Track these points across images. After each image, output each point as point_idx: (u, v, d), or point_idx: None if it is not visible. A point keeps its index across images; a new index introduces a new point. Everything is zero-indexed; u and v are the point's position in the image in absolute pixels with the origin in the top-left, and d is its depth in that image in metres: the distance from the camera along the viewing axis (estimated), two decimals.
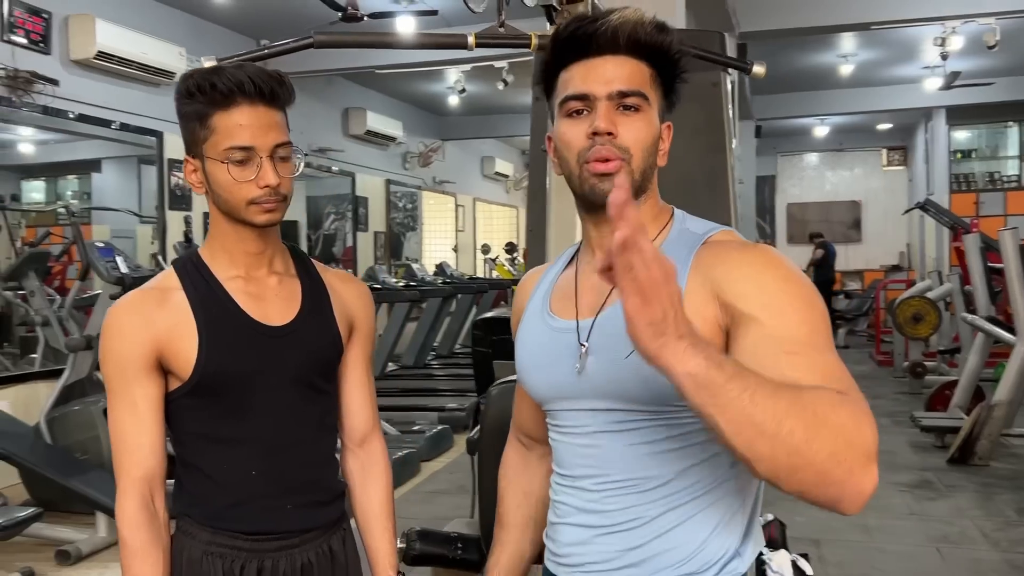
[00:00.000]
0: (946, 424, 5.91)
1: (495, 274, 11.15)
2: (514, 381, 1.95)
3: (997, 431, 5.35)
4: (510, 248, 11.41)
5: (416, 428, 5.97)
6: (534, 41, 1.71)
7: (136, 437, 1.24)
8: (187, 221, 5.04)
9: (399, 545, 1.95)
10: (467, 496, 2.74)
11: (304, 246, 8.72)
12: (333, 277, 1.41)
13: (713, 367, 0.80)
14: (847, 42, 8.32)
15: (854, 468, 0.83)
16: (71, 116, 5.64)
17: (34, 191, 7.89)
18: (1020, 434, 5.80)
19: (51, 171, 7.69)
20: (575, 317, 1.11)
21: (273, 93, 1.23)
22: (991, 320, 5.91)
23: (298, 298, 1.33)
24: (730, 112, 3.32)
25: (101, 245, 4.64)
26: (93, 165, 7.49)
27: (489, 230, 13.34)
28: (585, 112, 1.08)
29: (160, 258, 5.34)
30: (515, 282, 10.22)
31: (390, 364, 8.15)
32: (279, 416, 1.29)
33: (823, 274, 11.58)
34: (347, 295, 1.40)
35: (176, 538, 1.30)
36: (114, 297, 4.57)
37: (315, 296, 1.35)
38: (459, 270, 11.20)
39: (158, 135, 6.41)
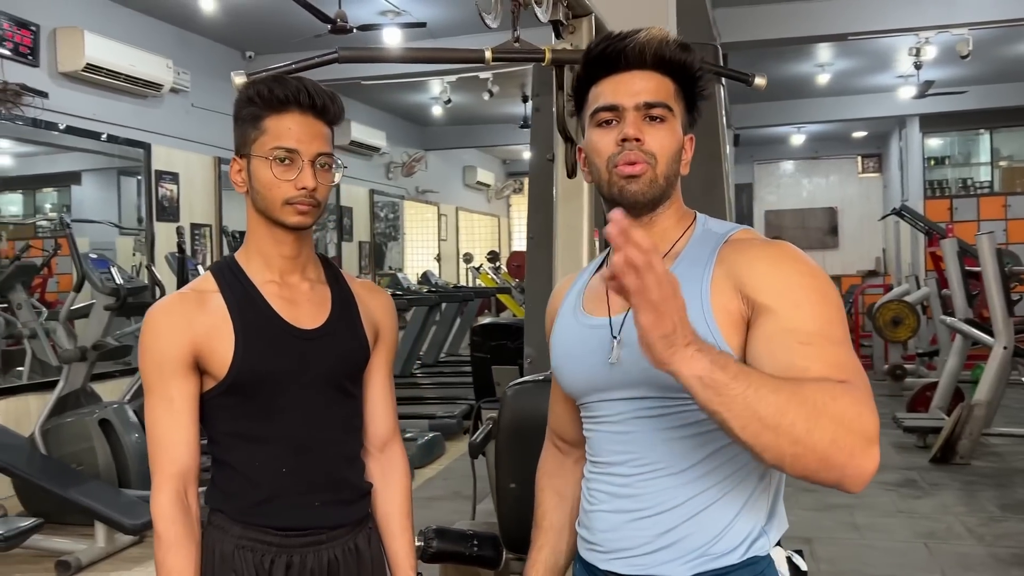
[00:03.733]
0: (928, 424, 6.04)
1: (479, 283, 11.21)
2: (530, 382, 2.02)
3: (978, 430, 5.49)
4: (492, 257, 11.48)
5: (408, 436, 6.00)
6: (548, 55, 1.78)
7: (171, 433, 1.29)
8: (179, 232, 5.06)
9: (416, 543, 2.01)
10: (465, 501, 2.78)
11: None
12: (359, 286, 1.47)
13: (717, 368, 0.91)
14: (824, 52, 8.48)
15: (855, 452, 0.94)
16: (60, 128, 5.64)
17: (11, 204, 7.83)
18: (1000, 433, 5.96)
19: (29, 184, 7.64)
20: (607, 315, 1.18)
21: (324, 107, 1.31)
22: (969, 322, 6.06)
23: (328, 304, 1.39)
24: (723, 121, 3.41)
25: (95, 257, 4.65)
26: (73, 177, 7.45)
27: (471, 239, 13.41)
28: (615, 122, 1.16)
29: (152, 269, 5.34)
30: (499, 290, 10.33)
31: None
32: (308, 416, 1.34)
33: None
34: (373, 304, 1.46)
35: (208, 532, 1.34)
36: (108, 308, 4.59)
37: (344, 303, 1.41)
38: (443, 279, 11.25)
39: (146, 147, 6.42)
